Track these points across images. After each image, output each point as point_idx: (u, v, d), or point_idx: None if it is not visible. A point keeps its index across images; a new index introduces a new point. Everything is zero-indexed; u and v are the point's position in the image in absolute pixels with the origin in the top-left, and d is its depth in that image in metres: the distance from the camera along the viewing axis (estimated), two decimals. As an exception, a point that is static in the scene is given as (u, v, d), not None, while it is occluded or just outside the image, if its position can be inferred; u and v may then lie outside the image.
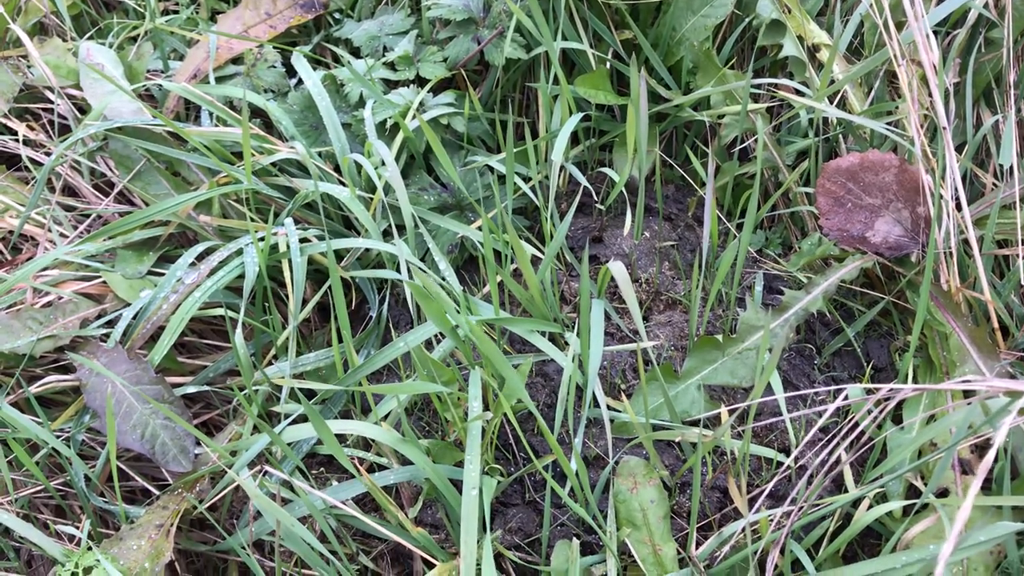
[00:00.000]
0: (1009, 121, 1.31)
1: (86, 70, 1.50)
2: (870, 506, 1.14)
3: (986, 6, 1.34)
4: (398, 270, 1.38)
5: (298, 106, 1.50)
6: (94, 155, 1.50)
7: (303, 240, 1.32)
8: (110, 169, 1.51)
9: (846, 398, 1.15)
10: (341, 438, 1.20)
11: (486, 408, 1.17)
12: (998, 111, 1.40)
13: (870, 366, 1.33)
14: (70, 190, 1.52)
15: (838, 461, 1.17)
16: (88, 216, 1.48)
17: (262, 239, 1.27)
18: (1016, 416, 1.02)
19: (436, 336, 1.28)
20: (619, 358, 1.32)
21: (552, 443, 1.04)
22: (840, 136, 1.47)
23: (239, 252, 1.29)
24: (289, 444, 1.17)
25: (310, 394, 1.28)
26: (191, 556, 1.22)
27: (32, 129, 1.57)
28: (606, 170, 1.49)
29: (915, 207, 1.33)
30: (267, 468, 1.09)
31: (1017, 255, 1.26)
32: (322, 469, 1.21)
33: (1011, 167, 1.29)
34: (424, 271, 1.26)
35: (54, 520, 1.21)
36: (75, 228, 1.47)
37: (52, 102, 1.57)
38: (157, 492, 1.23)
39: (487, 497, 1.04)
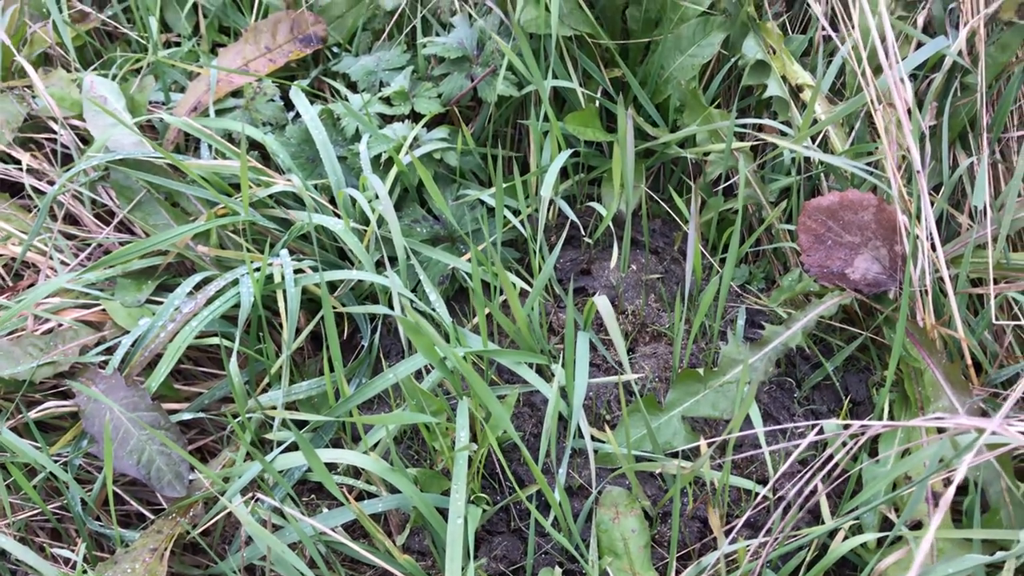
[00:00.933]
0: (983, 163, 1.35)
1: (89, 103, 1.54)
2: (845, 537, 1.17)
3: (960, 53, 1.38)
4: (390, 300, 1.42)
5: (295, 139, 1.54)
6: (95, 185, 1.54)
7: (297, 271, 1.36)
8: (111, 199, 1.54)
9: (821, 431, 1.19)
10: (331, 466, 1.24)
11: (473, 438, 1.21)
12: (973, 153, 1.44)
13: (848, 400, 1.37)
14: (71, 219, 1.56)
15: (814, 492, 1.20)
16: (89, 245, 1.51)
17: (258, 270, 1.31)
18: (983, 450, 1.06)
19: (426, 366, 1.32)
20: (604, 389, 1.36)
21: (536, 474, 1.07)
22: (822, 175, 1.51)
23: (235, 282, 1.33)
24: (280, 471, 1.20)
25: (302, 423, 1.32)
26: (184, 580, 1.25)
27: (35, 158, 1.61)
28: (594, 204, 1.54)
29: (893, 245, 1.37)
30: (259, 495, 1.12)
31: (990, 294, 1.30)
32: (313, 496, 1.24)
33: (984, 208, 1.33)
34: (415, 303, 1.30)
35: (50, 543, 1.24)
36: (76, 256, 1.51)
37: (55, 132, 1.61)
38: (152, 516, 1.26)
39: (472, 526, 1.07)
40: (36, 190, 1.55)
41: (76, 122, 1.62)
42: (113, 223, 1.52)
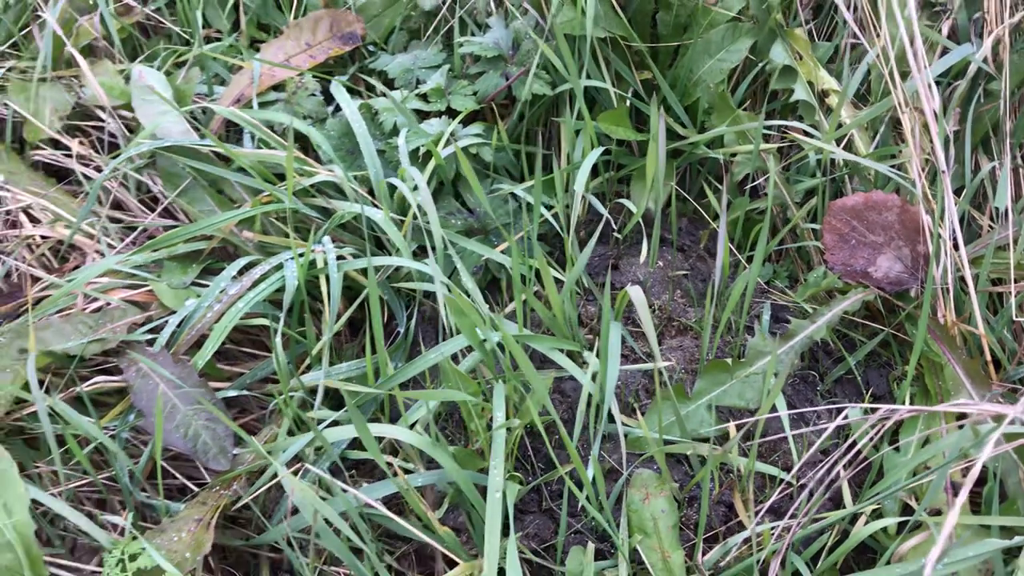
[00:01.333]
0: (1005, 167, 1.40)
1: (139, 90, 1.60)
2: (866, 522, 1.21)
3: (985, 60, 1.43)
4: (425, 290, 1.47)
5: (336, 132, 1.59)
6: (141, 171, 1.59)
7: (339, 257, 1.41)
8: (156, 185, 1.60)
9: (846, 417, 1.23)
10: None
11: (508, 419, 1.25)
12: (995, 158, 1.49)
13: (869, 393, 1.41)
14: (117, 204, 1.61)
15: (837, 479, 1.24)
16: (134, 229, 1.57)
17: (302, 255, 1.36)
18: (1002, 441, 1.10)
19: (462, 351, 1.37)
20: (633, 379, 1.40)
21: (571, 451, 1.11)
22: (846, 177, 1.56)
23: (279, 266, 1.38)
24: (323, 447, 1.24)
25: (338, 405, 1.36)
26: (224, 552, 1.29)
27: (82, 145, 1.67)
28: (624, 201, 1.58)
29: (915, 245, 1.41)
30: (306, 465, 1.17)
31: (1010, 292, 1.34)
32: (353, 472, 1.28)
33: (1006, 210, 1.38)
34: (455, 289, 1.35)
35: (99, 512, 1.28)
36: (122, 240, 1.56)
37: (102, 120, 1.67)
38: (196, 490, 1.30)
39: (511, 500, 1.11)
40: (85, 176, 1.60)
41: (123, 111, 1.67)
42: (159, 208, 1.57)
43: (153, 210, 1.62)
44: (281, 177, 1.51)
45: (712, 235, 1.65)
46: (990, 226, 1.48)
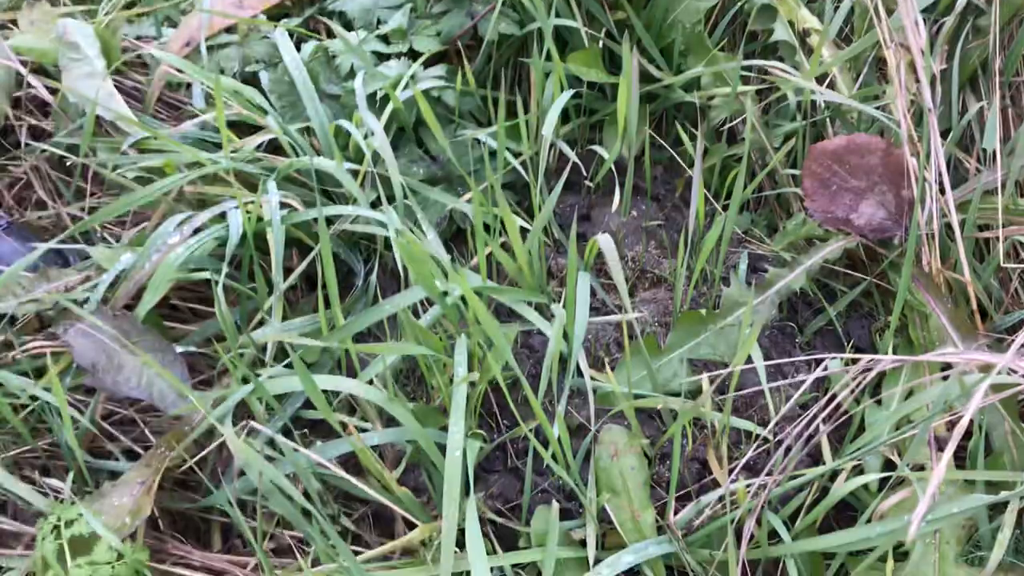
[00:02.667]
0: (993, 108, 1.33)
1: (65, 48, 1.49)
2: (847, 479, 1.15)
3: (974, -7, 1.36)
4: (387, 239, 1.39)
5: (288, 78, 1.50)
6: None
7: (288, 207, 1.32)
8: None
9: (825, 369, 1.17)
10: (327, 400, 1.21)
11: (471, 375, 1.18)
12: (983, 98, 1.42)
13: (850, 345, 1.35)
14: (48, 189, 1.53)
15: (816, 434, 1.19)
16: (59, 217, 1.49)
17: (249, 203, 1.28)
18: (988, 393, 1.04)
19: (423, 302, 1.29)
20: (603, 332, 1.33)
21: (536, 407, 1.05)
22: (828, 120, 1.48)
23: (222, 217, 1.30)
24: (277, 400, 1.17)
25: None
26: (173, 516, 1.23)
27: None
28: (596, 148, 1.51)
29: (899, 191, 1.35)
30: (252, 423, 1.10)
31: (998, 238, 1.28)
32: (305, 430, 1.22)
33: (994, 152, 1.31)
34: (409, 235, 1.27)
35: (41, 479, 1.22)
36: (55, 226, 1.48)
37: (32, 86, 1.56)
38: (142, 452, 1.23)
39: (471, 459, 1.05)
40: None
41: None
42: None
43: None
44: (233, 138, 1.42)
45: (688, 184, 1.58)
46: (977, 170, 1.41)
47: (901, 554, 1.11)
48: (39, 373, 1.26)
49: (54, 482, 1.17)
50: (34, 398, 1.21)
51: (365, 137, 1.37)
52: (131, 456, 1.26)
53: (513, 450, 1.23)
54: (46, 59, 1.54)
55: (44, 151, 1.49)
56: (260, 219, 1.29)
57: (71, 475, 1.17)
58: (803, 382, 1.24)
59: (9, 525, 1.18)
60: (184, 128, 1.43)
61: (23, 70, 1.51)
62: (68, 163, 1.49)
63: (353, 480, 1.08)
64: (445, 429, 1.12)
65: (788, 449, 1.17)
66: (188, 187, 1.36)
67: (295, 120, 1.47)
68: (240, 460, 1.02)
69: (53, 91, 1.53)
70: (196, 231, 1.26)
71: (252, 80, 1.54)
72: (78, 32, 1.53)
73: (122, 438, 1.26)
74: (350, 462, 1.23)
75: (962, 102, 1.44)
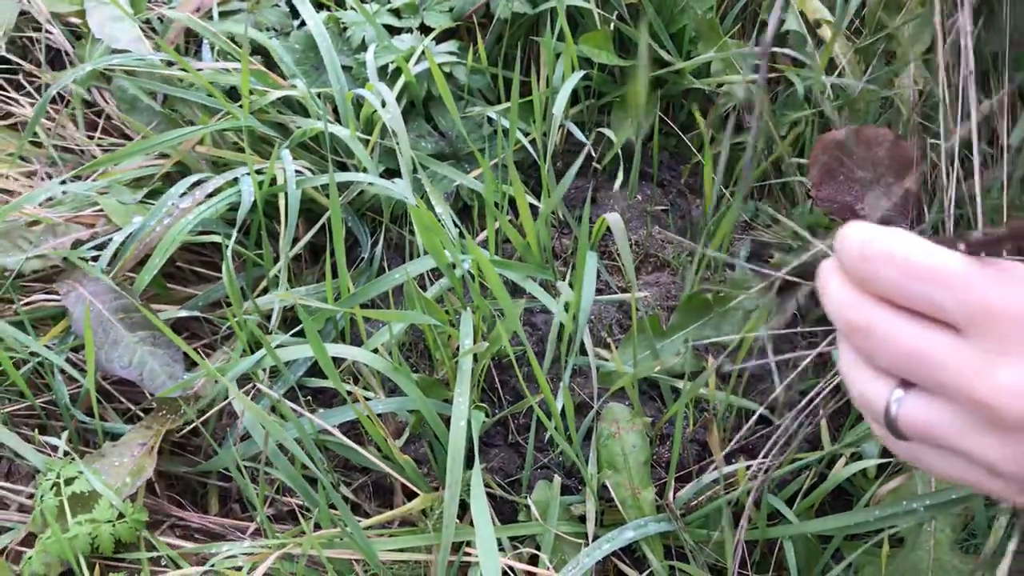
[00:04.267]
0: (1005, 102, 1.33)
1: (90, -7, 1.49)
2: (845, 464, 1.16)
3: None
4: (393, 213, 1.39)
5: (301, 46, 1.50)
6: (91, 90, 1.49)
7: (299, 173, 1.32)
8: (109, 104, 1.50)
9: (823, 355, 1.18)
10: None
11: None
12: (993, 93, 1.42)
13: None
14: (65, 125, 1.51)
15: (816, 418, 1.19)
16: (79, 151, 1.47)
17: (260, 172, 1.27)
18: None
19: (429, 277, 1.29)
20: (607, 312, 1.34)
21: (540, 379, 1.05)
22: (835, 110, 1.49)
23: (235, 181, 1.29)
24: (285, 364, 1.17)
25: (298, 333, 1.29)
26: (172, 479, 1.22)
27: (26, 59, 1.56)
28: (605, 130, 1.51)
29: (905, 182, 1.35)
30: (259, 386, 1.09)
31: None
32: (309, 398, 1.21)
33: (1003, 148, 1.32)
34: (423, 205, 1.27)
35: (37, 436, 1.21)
36: (66, 164, 1.46)
37: (51, 32, 1.55)
38: (142, 415, 1.23)
39: (475, 430, 1.05)
40: (27, 95, 1.50)
41: (74, 19, 1.56)
42: (100, 128, 1.48)
43: (106, 132, 1.53)
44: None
45: (693, 170, 1.58)
46: (984, 165, 1.42)
47: (897, 540, 1.12)
48: (42, 325, 1.25)
49: (52, 439, 1.16)
50: (34, 354, 1.20)
51: (374, 112, 1.36)
52: (130, 420, 1.26)
53: (514, 425, 1.24)
54: (75, 3, 1.53)
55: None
56: (272, 183, 1.29)
57: (67, 433, 1.16)
58: (803, 367, 1.25)
59: (6, 486, 1.18)
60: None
61: (45, 10, 1.50)
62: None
63: (357, 447, 1.07)
64: (448, 401, 1.12)
65: (789, 432, 1.17)
66: (200, 148, 1.36)
67: (314, 86, 1.47)
68: (247, 421, 1.02)
69: (78, 36, 1.52)
70: (209, 195, 1.25)
71: (258, 50, 1.54)
72: (106, -24, 1.53)
73: (122, 399, 1.25)
74: (350, 432, 1.23)
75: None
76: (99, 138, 1.53)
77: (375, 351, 1.16)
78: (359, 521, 1.07)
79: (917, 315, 0.51)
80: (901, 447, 0.55)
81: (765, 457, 1.13)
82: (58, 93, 1.55)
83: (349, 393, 1.12)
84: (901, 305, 0.52)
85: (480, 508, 0.93)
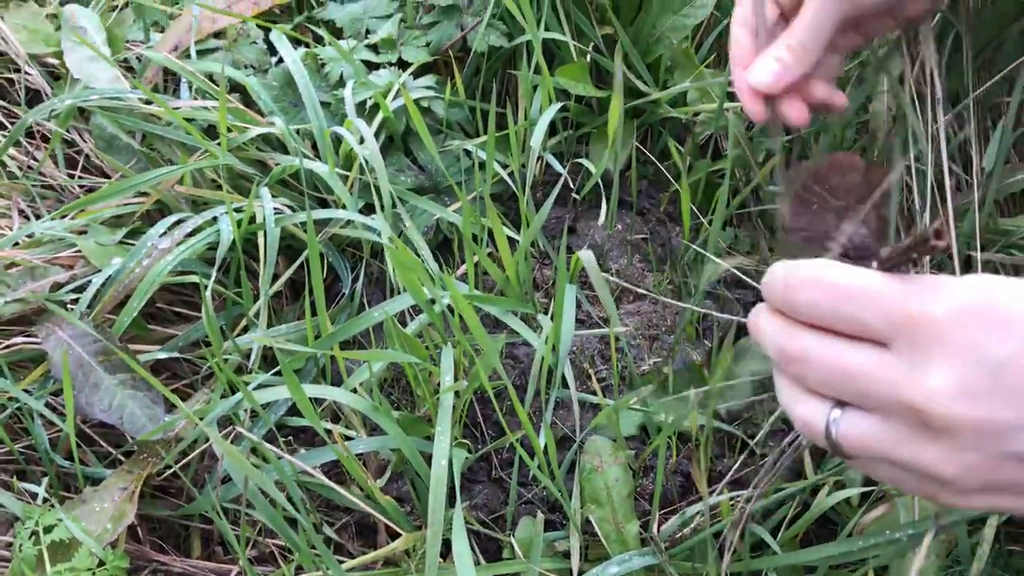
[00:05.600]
0: (973, 129, 1.35)
1: (69, 32, 1.49)
2: (828, 494, 1.16)
3: (951, 8, 1.38)
4: (373, 248, 1.39)
5: (278, 82, 1.50)
6: (70, 128, 1.49)
7: (278, 211, 1.32)
8: (87, 143, 1.50)
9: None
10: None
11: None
12: (965, 119, 1.44)
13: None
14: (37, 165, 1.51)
15: (799, 448, 1.20)
16: (59, 188, 1.47)
17: (238, 210, 1.27)
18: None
19: (410, 313, 1.29)
20: (588, 344, 1.34)
21: (523, 417, 1.05)
22: (811, 137, 1.50)
23: (213, 220, 1.29)
24: (262, 407, 1.17)
25: (279, 372, 1.28)
26: (154, 522, 1.21)
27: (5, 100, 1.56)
28: (583, 161, 1.52)
29: (880, 210, 1.36)
30: (239, 429, 1.09)
31: (977, 259, 1.29)
32: (289, 438, 1.21)
33: (976, 172, 1.33)
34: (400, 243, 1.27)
35: (17, 482, 1.20)
36: (44, 200, 1.46)
37: (29, 72, 1.55)
38: (123, 459, 1.22)
39: (457, 468, 1.05)
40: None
41: (52, 59, 1.57)
42: (79, 168, 1.48)
43: (85, 170, 1.52)
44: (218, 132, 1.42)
45: (672, 198, 1.59)
46: (958, 188, 1.43)
47: (881, 568, 1.12)
48: (22, 368, 1.24)
49: (31, 486, 1.15)
50: (13, 399, 1.19)
51: (361, 142, 1.36)
52: (111, 463, 1.25)
53: (497, 461, 1.23)
54: (50, 44, 1.53)
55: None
56: (251, 222, 1.29)
57: (47, 479, 1.15)
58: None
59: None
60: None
61: (21, 49, 1.50)
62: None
63: (338, 488, 1.07)
64: (430, 439, 1.12)
65: (772, 466, 1.18)
66: (179, 188, 1.36)
67: (292, 123, 1.47)
68: (226, 465, 1.02)
69: (56, 77, 1.52)
70: (189, 235, 1.25)
71: (236, 88, 1.54)
72: (85, 18, 1.53)
73: (102, 443, 1.24)
74: (332, 471, 1.22)
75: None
76: (79, 176, 1.53)
77: (354, 390, 1.15)
78: (342, 562, 1.07)
79: (846, 337, 0.53)
80: (856, 462, 0.57)
81: (748, 487, 1.13)
82: (39, 132, 1.55)
83: (329, 432, 1.12)
84: (829, 329, 0.54)
85: (461, 550, 0.93)
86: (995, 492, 0.50)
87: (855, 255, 1.40)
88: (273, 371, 1.23)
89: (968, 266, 1.38)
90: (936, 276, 0.52)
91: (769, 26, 0.89)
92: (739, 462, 1.22)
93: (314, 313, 1.24)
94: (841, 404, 0.54)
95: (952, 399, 0.48)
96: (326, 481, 1.07)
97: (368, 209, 1.38)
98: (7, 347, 1.25)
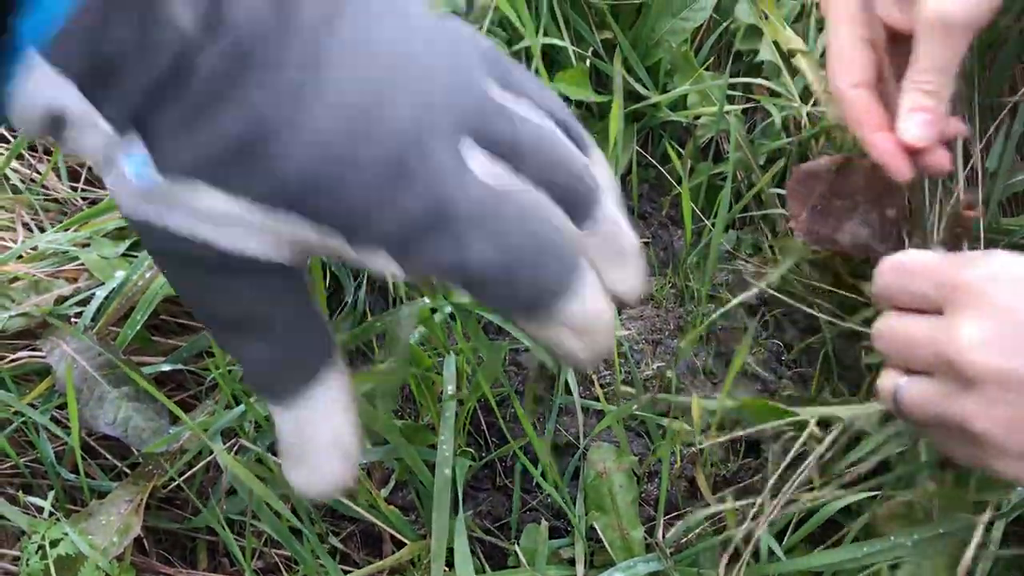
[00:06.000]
0: (976, 129, 1.35)
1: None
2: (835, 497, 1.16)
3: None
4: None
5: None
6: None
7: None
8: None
9: (808, 385, 1.18)
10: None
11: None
12: (966, 121, 1.44)
13: (836, 363, 1.36)
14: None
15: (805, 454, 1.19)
16: (62, 201, 1.48)
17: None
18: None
19: (412, 321, 1.29)
20: (592, 350, 1.34)
21: (525, 425, 1.05)
22: (812, 139, 1.50)
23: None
24: (265, 418, 1.17)
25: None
26: (160, 535, 1.22)
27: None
28: (583, 166, 1.52)
29: (883, 210, 1.36)
30: (242, 442, 1.09)
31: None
32: (295, 449, 1.21)
33: (978, 172, 1.33)
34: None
35: (23, 496, 1.20)
36: (47, 212, 1.47)
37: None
38: (128, 471, 1.22)
39: (460, 476, 1.05)
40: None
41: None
42: (82, 178, 1.48)
43: (88, 183, 1.53)
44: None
45: (674, 202, 1.59)
46: (960, 189, 1.43)
47: (890, 568, 1.12)
48: (27, 382, 1.25)
49: (37, 500, 1.16)
50: (18, 413, 1.19)
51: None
52: (117, 476, 1.25)
53: (501, 468, 1.23)
54: None
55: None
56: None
57: (53, 492, 1.15)
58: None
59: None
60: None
61: None
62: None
63: (342, 498, 1.07)
64: (434, 447, 1.12)
65: (779, 467, 1.17)
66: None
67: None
68: (231, 478, 1.02)
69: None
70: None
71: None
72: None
73: (108, 456, 1.25)
74: (338, 480, 1.22)
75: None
76: (82, 189, 1.54)
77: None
78: (347, 572, 1.07)
79: (917, 312, 0.61)
80: (921, 431, 0.66)
81: (752, 493, 1.13)
82: (41, 145, 1.56)
83: (334, 443, 1.12)
84: (907, 308, 0.63)
85: (464, 560, 0.93)
86: None
87: (857, 254, 1.41)
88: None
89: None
90: (982, 251, 0.62)
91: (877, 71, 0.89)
92: (743, 466, 1.22)
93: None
94: (911, 373, 0.63)
95: (977, 348, 0.55)
96: (330, 492, 1.07)
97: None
98: (12, 361, 1.25)
